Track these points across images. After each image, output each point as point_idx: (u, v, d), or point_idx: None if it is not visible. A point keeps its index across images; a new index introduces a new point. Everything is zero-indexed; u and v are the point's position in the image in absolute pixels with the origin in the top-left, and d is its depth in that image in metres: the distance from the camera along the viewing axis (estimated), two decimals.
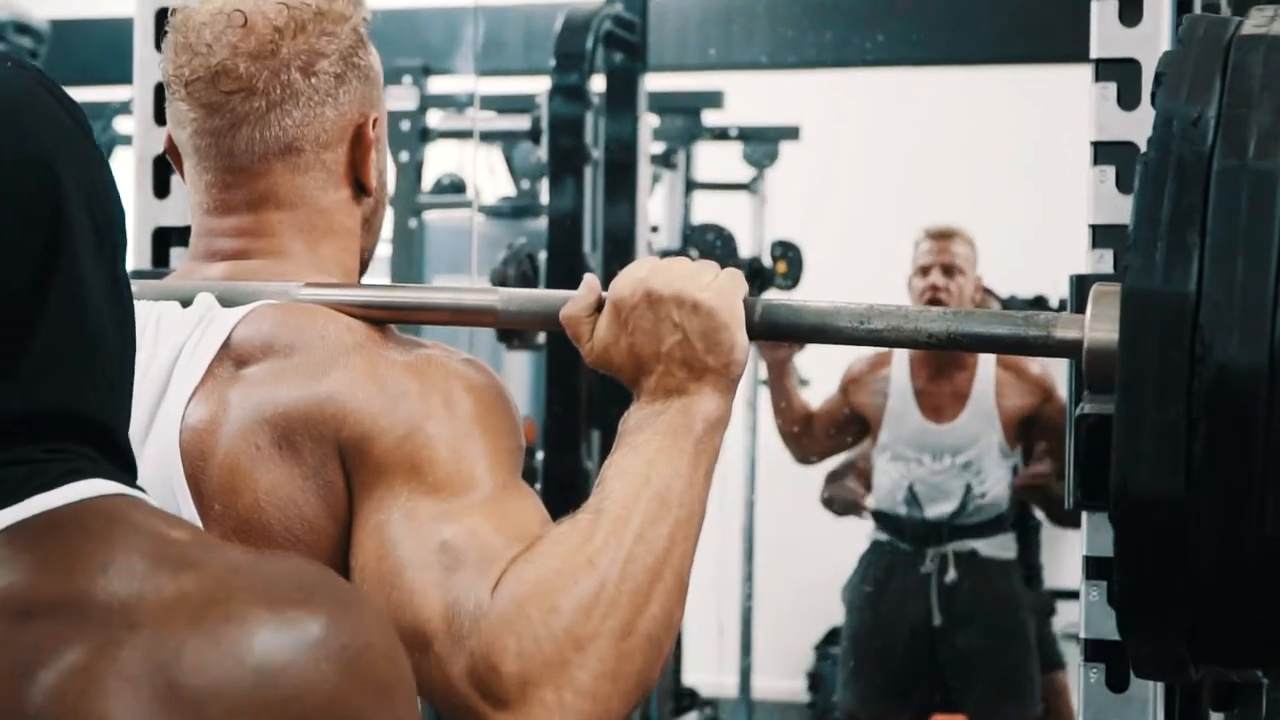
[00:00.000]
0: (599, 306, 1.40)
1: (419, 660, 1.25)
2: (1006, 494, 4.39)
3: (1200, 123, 1.17)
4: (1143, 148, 1.94)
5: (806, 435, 4.66)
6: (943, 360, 4.43)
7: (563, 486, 3.68)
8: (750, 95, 5.87)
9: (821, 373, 5.70)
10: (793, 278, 5.90)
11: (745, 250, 5.73)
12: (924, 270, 4.48)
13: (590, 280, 1.41)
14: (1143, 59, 1.95)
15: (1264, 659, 1.27)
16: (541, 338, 3.88)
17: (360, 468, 1.32)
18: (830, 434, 4.63)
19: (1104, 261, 1.88)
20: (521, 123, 4.37)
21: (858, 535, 4.68)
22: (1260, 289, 1.12)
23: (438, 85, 5.33)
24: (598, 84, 4.03)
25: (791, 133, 5.82)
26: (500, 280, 3.86)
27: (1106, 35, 2.09)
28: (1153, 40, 2.06)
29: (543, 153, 3.88)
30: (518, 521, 1.30)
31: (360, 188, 1.51)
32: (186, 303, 1.44)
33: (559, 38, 3.78)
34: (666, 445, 1.34)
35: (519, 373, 4.81)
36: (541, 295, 1.48)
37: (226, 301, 1.43)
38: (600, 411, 3.82)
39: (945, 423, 4.42)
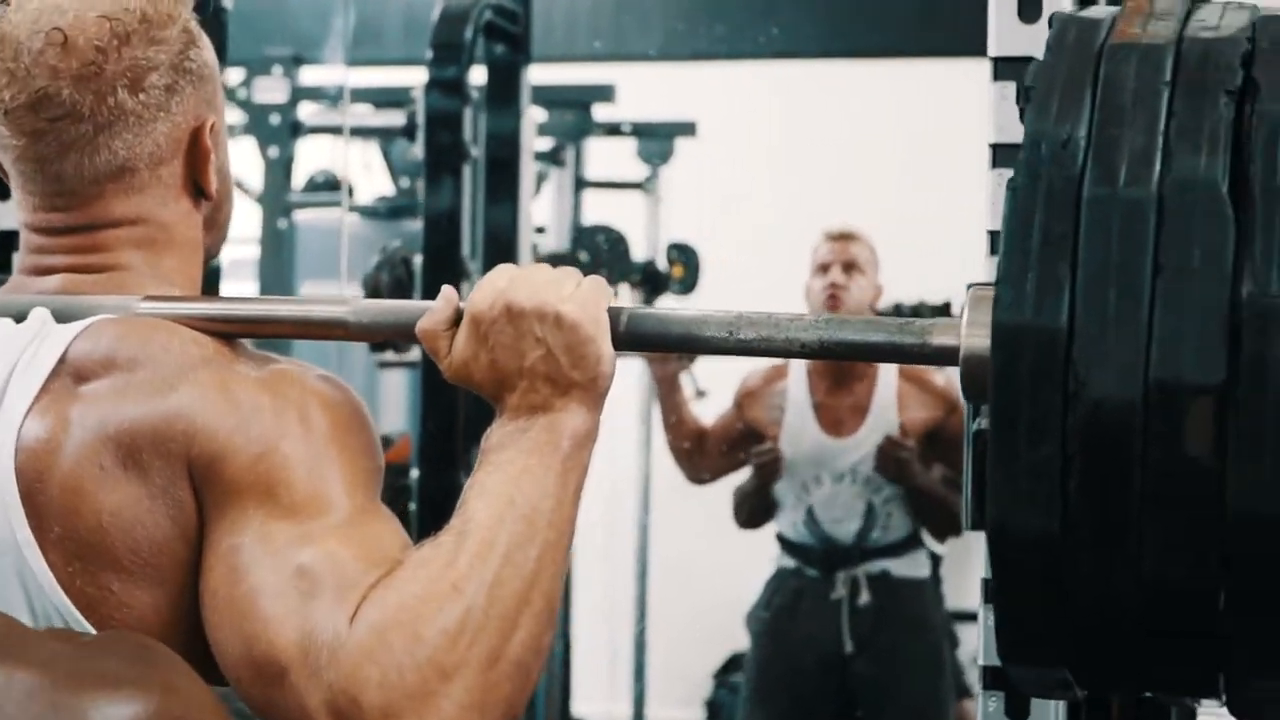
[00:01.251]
0: (458, 319, 1.40)
1: (274, 694, 1.26)
2: (911, 520, 4.43)
3: (1070, 144, 1.18)
4: None
5: (699, 453, 4.67)
6: (841, 371, 4.45)
7: (438, 505, 3.67)
8: (644, 89, 5.88)
9: (720, 385, 5.73)
10: (689, 282, 5.91)
11: (639, 253, 5.74)
12: (823, 268, 4.52)
13: (448, 292, 1.42)
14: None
15: (1148, 689, 1.29)
16: (417, 353, 3.87)
17: (211, 488, 1.33)
18: (724, 451, 4.65)
19: None
20: (399, 118, 4.36)
21: (759, 555, 4.69)
22: (1133, 323, 1.15)
23: (310, 76, 5.31)
24: (480, 77, 4.03)
25: (688, 128, 5.83)
26: (373, 285, 3.85)
27: (1004, 32, 2.10)
28: None
29: (419, 150, 3.87)
30: (377, 545, 1.32)
31: (201, 193, 1.52)
32: (19, 318, 1.43)
33: (436, 28, 3.78)
34: (533, 464, 1.35)
35: (395, 388, 4.79)
36: (396, 307, 1.48)
37: (62, 316, 1.42)
38: (477, 428, 3.82)
39: (845, 437, 4.44)
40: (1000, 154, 1.98)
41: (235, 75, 5.03)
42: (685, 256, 5.81)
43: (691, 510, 4.95)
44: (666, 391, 4.68)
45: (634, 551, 5.93)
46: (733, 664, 5.94)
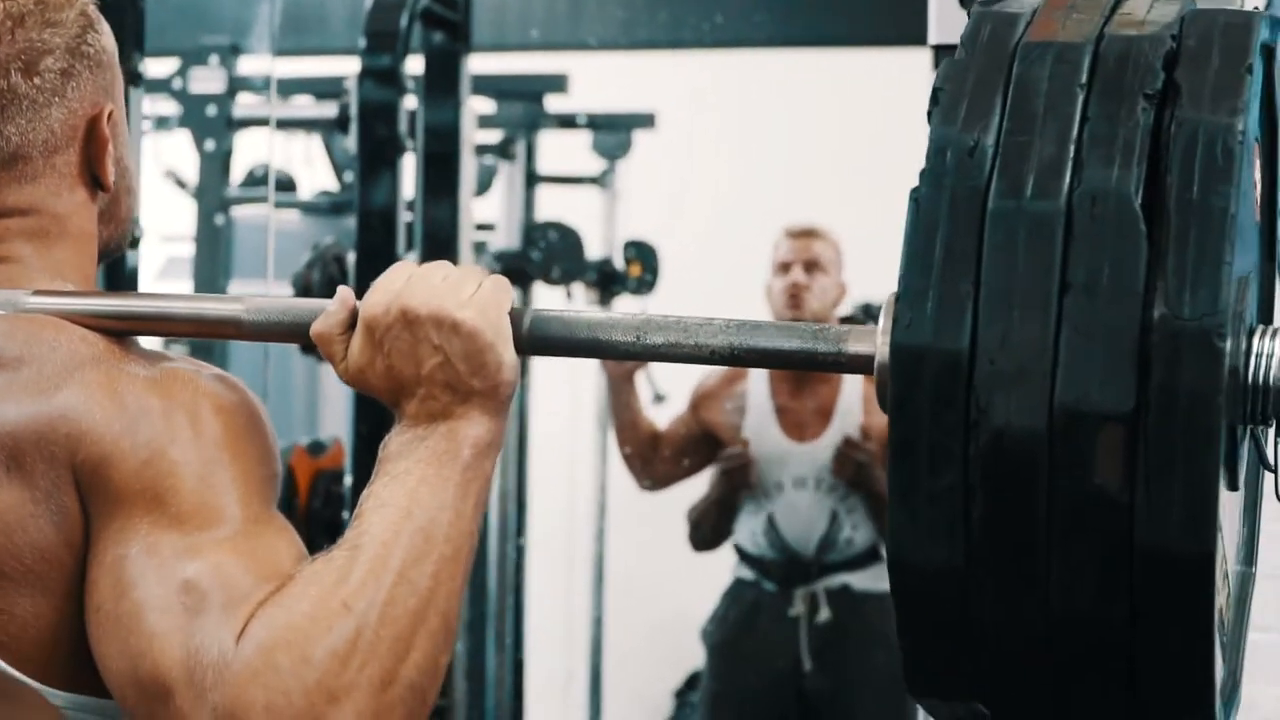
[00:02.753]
0: (354, 321, 1.39)
1: (160, 713, 1.27)
2: (874, 532, 4.42)
3: (976, 153, 1.16)
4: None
5: (651, 457, 4.65)
6: (804, 372, 4.44)
7: None
8: (600, 78, 5.86)
9: (681, 389, 5.70)
10: (648, 281, 5.90)
11: (595, 251, 5.73)
12: (784, 267, 4.51)
13: (344, 293, 1.40)
14: None
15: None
16: None
17: (97, 495, 1.33)
18: (678, 455, 4.63)
19: None
20: (333, 109, 4.33)
21: (721, 569, 4.68)
22: (1038, 346, 1.12)
23: (248, 66, 5.28)
24: (419, 66, 4.01)
25: (646, 120, 5.82)
26: (304, 285, 3.85)
27: (945, 19, 2.09)
28: None
29: (353, 142, 3.87)
30: (269, 558, 1.32)
31: (98, 184, 1.52)
32: None
33: (369, 15, 3.79)
34: (430, 474, 1.34)
35: (337, 386, 4.76)
36: (292, 306, 1.47)
37: None
38: None
39: (808, 441, 4.44)
40: None
41: (169, 65, 5.01)
42: (642, 254, 5.80)
43: (650, 520, 4.93)
44: (619, 392, 4.66)
45: (590, 564, 5.93)
46: (694, 682, 5.93)
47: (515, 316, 1.38)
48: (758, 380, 4.51)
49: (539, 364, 5.63)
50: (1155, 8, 1.24)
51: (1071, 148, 1.15)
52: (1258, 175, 1.28)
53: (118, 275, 3.01)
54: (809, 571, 4.39)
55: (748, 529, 4.47)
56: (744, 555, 4.50)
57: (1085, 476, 1.13)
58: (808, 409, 4.45)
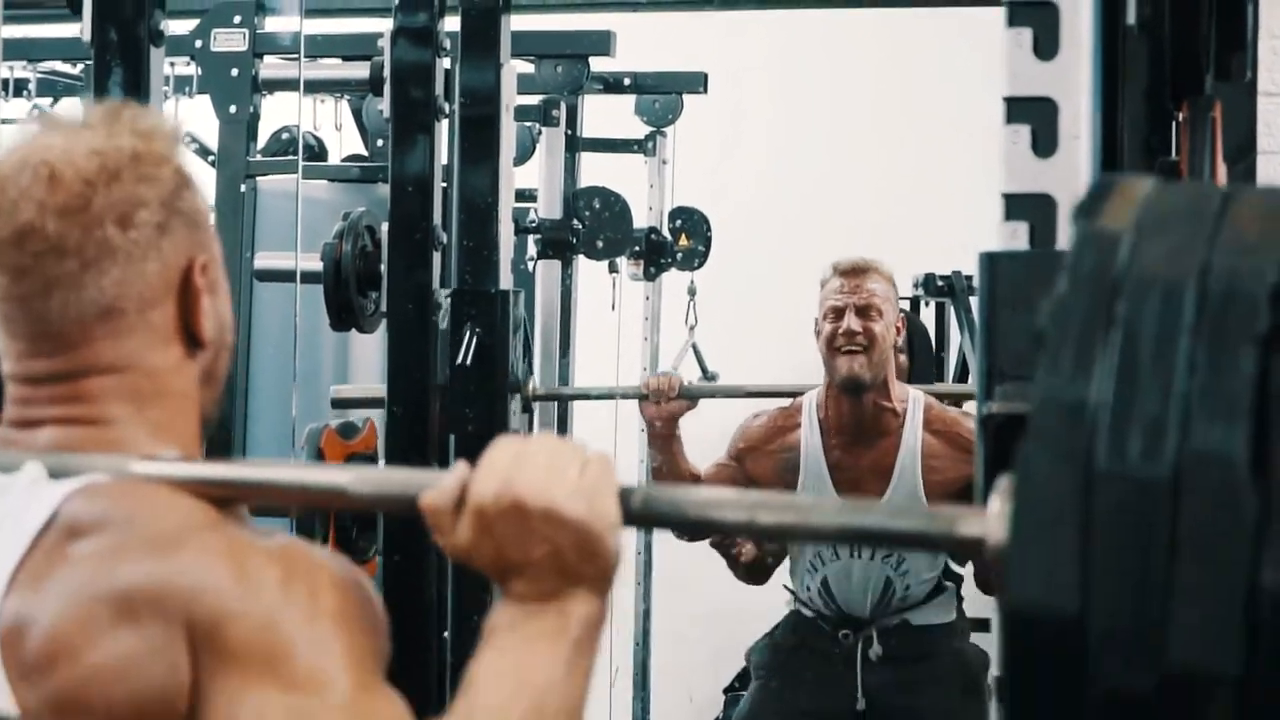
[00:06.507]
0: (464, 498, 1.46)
1: None
2: (936, 576, 4.34)
3: (1082, 409, 1.19)
4: (1061, 104, 1.94)
5: None
6: (861, 425, 4.31)
7: None
8: (647, 38, 5.86)
9: (729, 365, 5.63)
10: (699, 252, 5.87)
11: (641, 219, 5.69)
12: (835, 312, 4.27)
13: (460, 470, 1.47)
14: (1060, 0, 1.96)
15: None
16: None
17: (210, 654, 1.42)
18: None
19: (1018, 236, 1.92)
20: (363, 71, 4.27)
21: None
22: (1148, 610, 1.16)
23: (274, 25, 5.24)
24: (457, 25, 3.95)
25: (696, 82, 5.78)
26: (334, 256, 3.79)
27: None
28: None
29: (386, 106, 3.81)
30: None
31: (194, 340, 1.60)
32: (9, 472, 1.52)
33: None
34: (542, 648, 1.43)
35: (367, 357, 4.72)
36: (400, 478, 1.54)
37: (55, 473, 1.51)
38: (454, 412, 3.75)
39: None
40: (1014, 108, 1.97)
41: (190, 24, 4.96)
42: (692, 224, 5.77)
43: None
44: (660, 437, 4.45)
45: (636, 557, 5.96)
46: (744, 679, 5.89)
47: (625, 496, 1.46)
48: (809, 431, 4.35)
49: (583, 352, 5.58)
50: (1264, 225, 1.25)
51: (1177, 402, 1.19)
52: None
53: None
54: (864, 623, 4.33)
55: (801, 584, 4.39)
56: (797, 600, 4.43)
57: None
58: (864, 466, 4.30)
